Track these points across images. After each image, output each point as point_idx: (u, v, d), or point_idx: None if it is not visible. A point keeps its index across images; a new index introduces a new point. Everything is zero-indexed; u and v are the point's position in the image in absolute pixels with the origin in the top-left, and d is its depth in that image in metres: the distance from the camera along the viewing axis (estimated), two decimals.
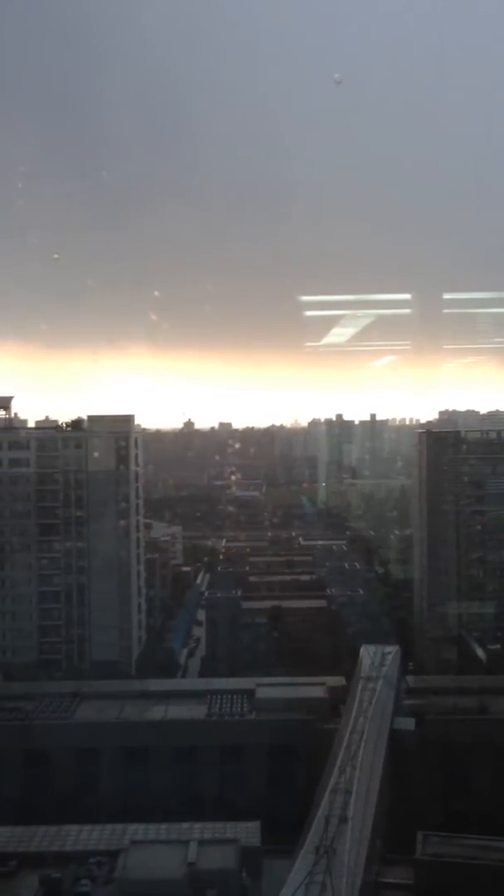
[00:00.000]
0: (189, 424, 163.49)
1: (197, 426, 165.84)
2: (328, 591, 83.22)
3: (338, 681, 57.35)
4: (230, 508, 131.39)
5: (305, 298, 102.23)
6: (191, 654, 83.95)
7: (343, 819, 35.42)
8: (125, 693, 59.22)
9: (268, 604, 79.62)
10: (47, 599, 76.51)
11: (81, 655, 75.93)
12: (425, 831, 37.28)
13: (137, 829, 38.87)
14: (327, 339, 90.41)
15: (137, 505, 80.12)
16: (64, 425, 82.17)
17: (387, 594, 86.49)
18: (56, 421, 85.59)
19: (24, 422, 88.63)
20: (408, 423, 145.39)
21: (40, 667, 73.94)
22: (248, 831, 37.90)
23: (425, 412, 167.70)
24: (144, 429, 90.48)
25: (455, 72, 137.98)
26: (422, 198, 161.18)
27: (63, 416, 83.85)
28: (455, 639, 75.32)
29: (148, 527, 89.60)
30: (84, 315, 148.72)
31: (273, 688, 57.29)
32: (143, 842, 37.04)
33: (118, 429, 79.04)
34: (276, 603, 79.76)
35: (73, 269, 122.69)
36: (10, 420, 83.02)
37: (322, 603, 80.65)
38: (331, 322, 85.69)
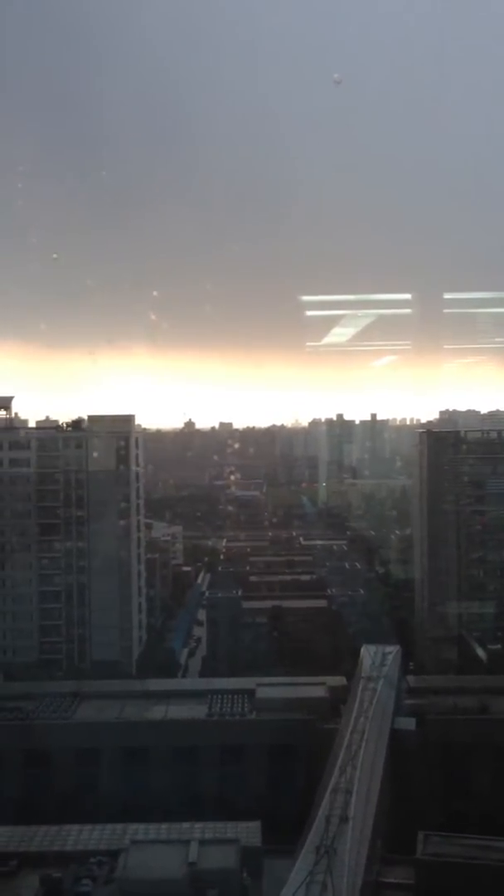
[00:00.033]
0: (189, 424, 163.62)
1: (197, 426, 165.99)
2: (329, 590, 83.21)
3: (338, 681, 57.35)
4: (231, 508, 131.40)
5: (306, 298, 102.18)
6: (191, 654, 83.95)
7: (344, 819, 35.44)
8: (126, 693, 59.27)
9: (268, 604, 79.63)
10: (48, 599, 76.51)
11: (82, 655, 75.93)
12: (426, 831, 37.24)
13: (138, 829, 38.87)
14: (328, 339, 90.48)
15: (138, 505, 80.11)
16: (64, 425, 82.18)
17: (387, 594, 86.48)
18: (56, 421, 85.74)
19: (25, 422, 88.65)
20: (408, 423, 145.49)
21: (41, 666, 73.95)
22: (248, 831, 37.89)
23: (426, 412, 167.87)
24: (145, 429, 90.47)
25: (455, 72, 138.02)
26: (422, 198, 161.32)
27: (63, 416, 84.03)
28: (455, 639, 75.29)
29: (148, 526, 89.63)
30: (84, 315, 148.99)
31: (273, 688, 57.29)
32: (144, 842, 37.03)
33: (118, 429, 79.03)
34: (276, 603, 79.77)
35: (73, 269, 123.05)
36: (10, 420, 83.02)
37: (322, 603, 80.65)
38: (331, 322, 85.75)
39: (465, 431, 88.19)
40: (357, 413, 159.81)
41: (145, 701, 57.24)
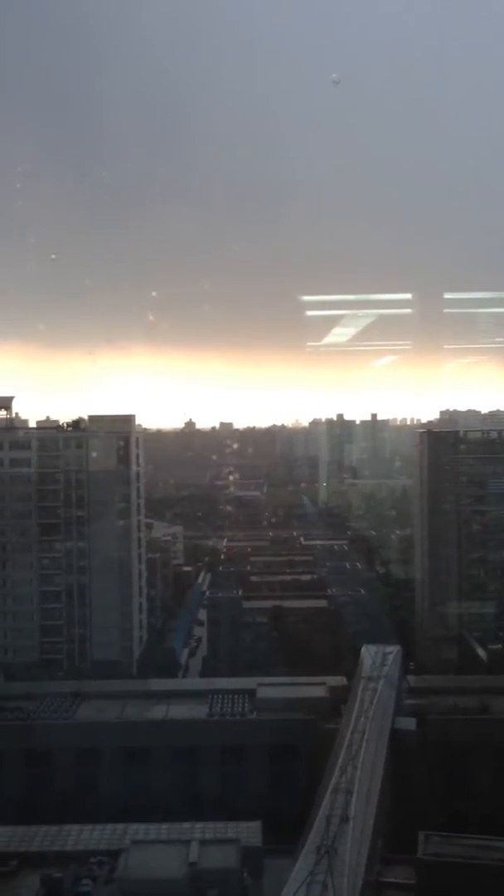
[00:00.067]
0: (190, 424, 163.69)
1: (198, 426, 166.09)
2: (329, 590, 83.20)
3: (339, 681, 57.31)
4: (231, 508, 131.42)
5: (306, 298, 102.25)
6: (192, 654, 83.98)
7: (344, 819, 35.45)
8: (126, 693, 59.24)
9: (269, 603, 79.63)
10: (48, 599, 76.55)
11: (82, 655, 75.97)
12: (426, 831, 37.21)
13: (138, 829, 38.80)
14: (328, 339, 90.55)
15: (138, 505, 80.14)
16: (65, 425, 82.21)
17: (388, 594, 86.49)
18: (57, 421, 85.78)
19: (25, 422, 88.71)
20: (409, 422, 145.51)
21: (41, 666, 73.99)
22: (249, 831, 37.82)
23: (426, 412, 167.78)
24: (145, 429, 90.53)
25: (455, 72, 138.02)
26: (422, 198, 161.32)
27: (64, 416, 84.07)
28: (456, 638, 75.29)
29: (149, 526, 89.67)
30: (85, 315, 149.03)
31: (274, 687, 57.26)
32: (144, 841, 36.99)
33: (119, 429, 79.07)
34: (277, 603, 79.76)
35: (73, 269, 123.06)
36: (10, 420, 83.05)
37: (323, 603, 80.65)
38: (331, 322, 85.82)
39: (466, 431, 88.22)
40: (357, 413, 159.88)
41: (146, 701, 57.20)
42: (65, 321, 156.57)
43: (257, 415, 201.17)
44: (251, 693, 56.41)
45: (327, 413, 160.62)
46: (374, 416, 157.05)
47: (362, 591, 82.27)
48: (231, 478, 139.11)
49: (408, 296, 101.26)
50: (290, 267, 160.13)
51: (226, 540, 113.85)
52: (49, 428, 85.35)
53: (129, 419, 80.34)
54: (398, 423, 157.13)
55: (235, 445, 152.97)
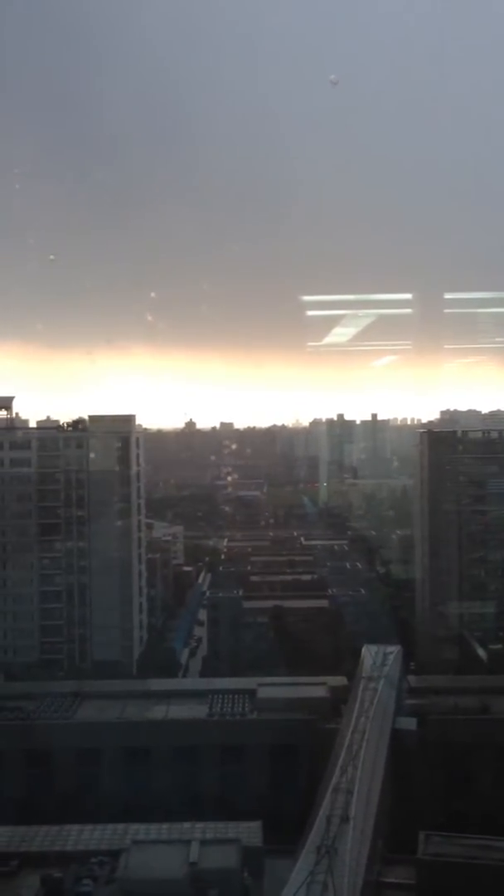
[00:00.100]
0: (190, 424, 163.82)
1: (198, 426, 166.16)
2: (329, 590, 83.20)
3: (339, 680, 57.27)
4: (231, 508, 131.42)
5: (306, 298, 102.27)
6: (192, 654, 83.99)
7: (345, 819, 35.39)
8: (126, 693, 59.20)
9: (269, 603, 79.60)
10: (49, 599, 76.57)
11: (83, 655, 75.97)
12: (427, 831, 37.20)
13: (139, 829, 38.80)
14: (328, 339, 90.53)
15: (139, 505, 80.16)
16: (65, 425, 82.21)
17: (388, 594, 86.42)
18: (57, 421, 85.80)
19: (26, 422, 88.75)
20: (409, 422, 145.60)
21: (42, 666, 74.00)
22: (249, 831, 37.83)
23: (427, 412, 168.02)
24: (146, 429, 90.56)
25: (455, 72, 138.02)
26: (422, 198, 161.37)
27: (64, 417, 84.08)
28: (456, 638, 75.28)
29: (149, 526, 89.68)
30: (85, 315, 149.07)
31: (274, 687, 57.23)
32: (145, 841, 36.98)
33: (119, 429, 79.09)
34: (277, 603, 79.74)
35: (73, 270, 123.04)
36: (11, 420, 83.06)
37: (323, 603, 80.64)
38: (332, 322, 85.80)
39: (466, 431, 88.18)
40: (358, 413, 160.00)
41: (146, 701, 57.15)
42: (65, 321, 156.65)
43: (258, 415, 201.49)
44: (251, 693, 56.36)
45: (328, 413, 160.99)
46: (374, 416, 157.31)
47: (363, 591, 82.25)
48: (231, 478, 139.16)
49: (408, 296, 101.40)
50: (290, 267, 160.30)
51: (226, 540, 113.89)
52: (49, 428, 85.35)
53: (129, 419, 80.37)
54: (398, 423, 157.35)
55: (236, 445, 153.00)
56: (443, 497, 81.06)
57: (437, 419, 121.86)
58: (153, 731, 52.95)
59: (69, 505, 77.26)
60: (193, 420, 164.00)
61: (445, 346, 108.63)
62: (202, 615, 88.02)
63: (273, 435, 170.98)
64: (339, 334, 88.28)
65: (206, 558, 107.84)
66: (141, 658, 76.68)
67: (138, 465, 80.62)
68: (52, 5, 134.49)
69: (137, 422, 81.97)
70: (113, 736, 52.49)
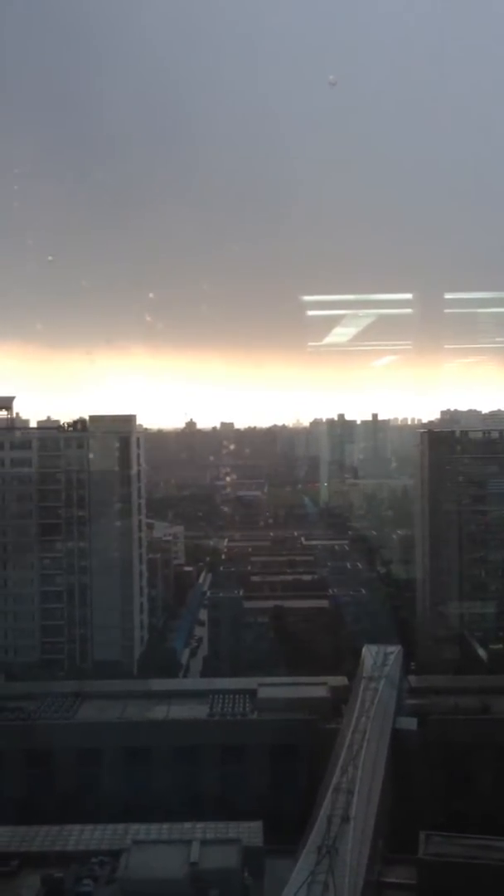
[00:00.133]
0: (191, 424, 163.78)
1: (199, 426, 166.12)
2: (330, 590, 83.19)
3: (340, 680, 57.28)
4: (232, 508, 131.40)
5: (307, 298, 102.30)
6: (193, 654, 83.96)
7: (345, 819, 35.39)
8: (127, 693, 59.20)
9: (270, 603, 79.64)
10: (49, 599, 76.59)
11: (83, 655, 75.99)
12: (427, 831, 37.20)
13: (139, 829, 38.82)
14: (329, 339, 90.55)
15: (139, 505, 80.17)
16: (66, 425, 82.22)
17: (389, 594, 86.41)
18: (58, 421, 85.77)
19: (26, 422, 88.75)
20: (409, 422, 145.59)
21: (42, 666, 74.02)
22: (250, 831, 37.85)
23: (427, 412, 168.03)
24: (146, 429, 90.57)
25: (455, 71, 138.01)
26: (422, 198, 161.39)
27: (65, 417, 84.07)
28: (457, 638, 75.28)
29: (150, 526, 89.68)
30: (85, 315, 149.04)
31: (275, 687, 57.23)
32: (146, 842, 37.00)
33: (120, 429, 79.11)
34: (278, 603, 79.78)
35: (73, 270, 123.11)
36: (11, 420, 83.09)
37: (324, 603, 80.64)
38: (332, 322, 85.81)
39: (467, 431, 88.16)
40: (358, 413, 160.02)
41: (147, 701, 57.17)
42: (65, 321, 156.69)
43: (258, 415, 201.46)
44: (252, 693, 56.36)
45: (328, 413, 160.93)
46: (374, 416, 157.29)
47: (363, 591, 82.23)
48: (232, 478, 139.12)
49: (408, 296, 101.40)
50: (290, 267, 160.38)
51: (227, 540, 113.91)
52: (50, 428, 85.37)
53: (129, 419, 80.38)
54: (399, 423, 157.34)
55: (236, 446, 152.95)
56: (443, 497, 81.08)
57: (437, 419, 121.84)
58: (154, 731, 52.95)
59: (70, 505, 77.28)
60: (194, 420, 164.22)
61: (446, 346, 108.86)
62: (203, 615, 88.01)
63: (273, 435, 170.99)
64: (340, 334, 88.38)
65: (207, 558, 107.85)
66: (141, 658, 76.69)
67: (139, 465, 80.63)
68: (51, 5, 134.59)
69: (138, 422, 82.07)
70: (113, 736, 52.48)
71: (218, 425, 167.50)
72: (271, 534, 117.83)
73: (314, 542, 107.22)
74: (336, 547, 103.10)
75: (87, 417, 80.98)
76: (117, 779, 50.07)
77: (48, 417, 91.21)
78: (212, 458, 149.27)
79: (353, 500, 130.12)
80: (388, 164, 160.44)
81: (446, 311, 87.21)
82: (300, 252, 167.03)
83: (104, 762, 51.30)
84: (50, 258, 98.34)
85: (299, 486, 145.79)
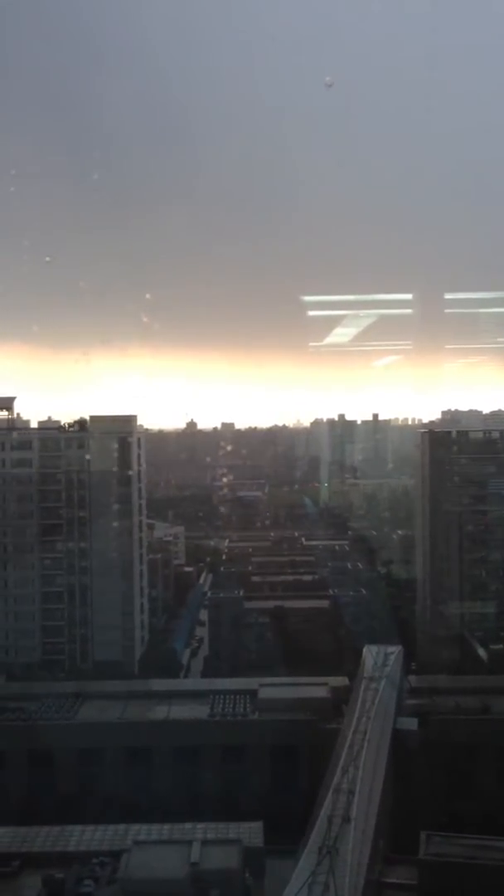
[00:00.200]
0: (192, 425, 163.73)
1: (199, 426, 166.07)
2: (331, 591, 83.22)
3: (340, 681, 57.31)
4: (232, 508, 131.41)
5: (307, 298, 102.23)
6: (193, 655, 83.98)
7: (346, 819, 35.38)
8: (128, 693, 59.22)
9: (270, 604, 79.70)
10: (50, 600, 76.64)
11: (84, 655, 76.04)
12: (428, 831, 37.22)
13: (140, 830, 38.83)
14: (329, 339, 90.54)
15: (140, 505, 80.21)
16: (66, 426, 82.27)
17: (389, 594, 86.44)
18: (58, 421, 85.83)
19: (27, 422, 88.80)
20: (410, 423, 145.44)
21: (43, 667, 74.12)
22: (250, 831, 37.85)
23: (428, 412, 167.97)
24: (147, 429, 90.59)
25: (455, 71, 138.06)
26: (423, 198, 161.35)
27: (66, 417, 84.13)
28: (457, 639, 75.29)
29: (150, 527, 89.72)
30: (86, 316, 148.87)
31: (276, 688, 57.26)
32: (146, 842, 37.02)
33: (120, 429, 79.15)
34: (278, 603, 79.85)
35: (74, 270, 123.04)
36: (12, 420, 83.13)
37: (324, 603, 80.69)
38: (333, 322, 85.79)
39: (467, 431, 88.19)
40: (359, 413, 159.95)
41: (147, 701, 57.23)
42: (66, 322, 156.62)
43: (259, 415, 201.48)
44: (253, 693, 56.40)
45: (329, 413, 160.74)
46: (375, 416, 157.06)
47: (364, 592, 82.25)
48: (232, 478, 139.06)
49: (409, 296, 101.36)
50: (290, 267, 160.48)
51: (227, 540, 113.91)
52: (50, 428, 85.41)
53: (130, 419, 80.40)
54: (400, 423, 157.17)
55: (237, 446, 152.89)
56: (444, 497, 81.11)
57: (438, 419, 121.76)
58: (154, 731, 53.01)
59: (70, 505, 77.33)
60: (194, 420, 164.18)
61: (446, 347, 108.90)
62: (203, 615, 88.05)
63: (274, 435, 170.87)
64: (340, 334, 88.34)
65: (208, 559, 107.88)
66: (142, 658, 76.73)
67: (139, 465, 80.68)
68: (51, 5, 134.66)
69: (139, 422, 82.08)
70: (114, 736, 52.58)
71: (218, 425, 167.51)
72: (272, 534, 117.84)
73: (315, 543, 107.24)
74: (336, 547, 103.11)
75: (87, 418, 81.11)
76: (118, 779, 50.12)
77: (49, 418, 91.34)
78: (212, 458, 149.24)
79: (353, 500, 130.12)
80: (388, 164, 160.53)
81: (447, 311, 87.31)
82: (300, 252, 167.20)
83: (105, 762, 51.37)
84: (48, 258, 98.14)
85: (300, 487, 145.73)
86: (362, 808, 36.70)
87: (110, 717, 54.79)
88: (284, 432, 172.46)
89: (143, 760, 51.03)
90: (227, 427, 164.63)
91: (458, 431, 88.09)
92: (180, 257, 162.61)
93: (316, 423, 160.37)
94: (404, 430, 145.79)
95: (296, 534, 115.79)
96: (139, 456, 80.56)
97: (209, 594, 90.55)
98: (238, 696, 56.90)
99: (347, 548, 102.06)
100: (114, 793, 48.62)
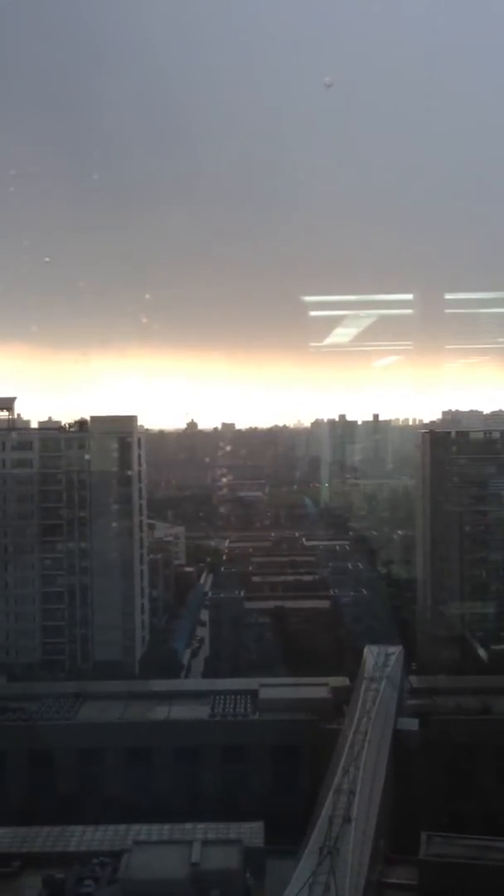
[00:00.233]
0: (192, 425, 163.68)
1: (200, 427, 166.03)
2: (331, 591, 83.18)
3: (341, 681, 57.32)
4: (233, 509, 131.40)
5: (308, 299, 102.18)
6: (194, 655, 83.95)
7: (346, 819, 35.39)
8: (128, 693, 59.25)
9: (271, 604, 79.63)
10: (51, 600, 76.62)
11: (85, 656, 76.02)
12: (429, 832, 37.21)
13: (141, 830, 38.86)
14: (330, 340, 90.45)
15: (140, 505, 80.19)
16: (67, 426, 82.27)
17: (390, 594, 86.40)
18: (59, 422, 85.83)
19: (28, 422, 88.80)
20: (411, 423, 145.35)
21: (44, 667, 74.10)
22: (251, 832, 37.88)
23: (428, 412, 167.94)
24: (147, 429, 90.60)
25: (455, 71, 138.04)
26: (423, 198, 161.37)
27: (66, 417, 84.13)
28: (458, 639, 75.25)
29: (151, 527, 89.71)
30: (87, 316, 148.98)
31: (276, 688, 57.29)
32: (147, 842, 37.06)
33: (121, 429, 79.14)
34: (279, 603, 79.78)
35: (74, 270, 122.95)
36: (12, 421, 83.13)
37: (325, 603, 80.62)
38: (333, 322, 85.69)
39: (468, 432, 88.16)
40: (359, 413, 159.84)
41: (148, 701, 57.27)
42: (66, 322, 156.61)
43: (259, 415, 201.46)
44: (253, 694, 56.44)
45: (329, 413, 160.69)
46: (375, 416, 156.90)
47: (364, 592, 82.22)
48: (233, 478, 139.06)
49: (409, 296, 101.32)
50: (291, 267, 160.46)
51: (228, 540, 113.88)
52: (51, 429, 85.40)
53: (130, 420, 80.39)
54: (400, 423, 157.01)
55: (237, 446, 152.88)
56: (444, 497, 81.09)
57: (438, 420, 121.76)
58: (155, 731, 53.03)
59: (71, 506, 77.31)
60: (195, 420, 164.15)
61: (447, 347, 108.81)
62: (204, 616, 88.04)
63: (274, 435, 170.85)
64: (341, 335, 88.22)
65: (208, 559, 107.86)
66: (143, 659, 76.72)
67: (140, 465, 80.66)
68: (51, 5, 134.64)
69: (139, 422, 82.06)
70: (115, 737, 52.58)
71: (219, 426, 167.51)
72: (272, 534, 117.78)
73: (315, 543, 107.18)
74: (337, 547, 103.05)
75: (88, 418, 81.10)
76: (118, 779, 50.14)
77: (49, 418, 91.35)
78: (212, 458, 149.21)
79: (353, 500, 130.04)
80: (388, 164, 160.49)
81: (447, 311, 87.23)
82: (300, 252, 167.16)
83: (105, 763, 51.42)
84: (47, 259, 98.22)
85: (300, 487, 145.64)
86: (363, 808, 36.70)
87: (111, 718, 54.83)
88: (285, 432, 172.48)
89: (143, 761, 51.06)
90: (228, 427, 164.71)
91: (458, 432, 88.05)
92: (180, 257, 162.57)
93: (316, 423, 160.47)
94: (405, 430, 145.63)
95: (296, 534, 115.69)
96: (139, 456, 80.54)
97: (210, 594, 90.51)
98: (239, 697, 56.93)
99: (348, 548, 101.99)
100: (114, 793, 48.70)
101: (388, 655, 57.34)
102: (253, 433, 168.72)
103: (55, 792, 48.92)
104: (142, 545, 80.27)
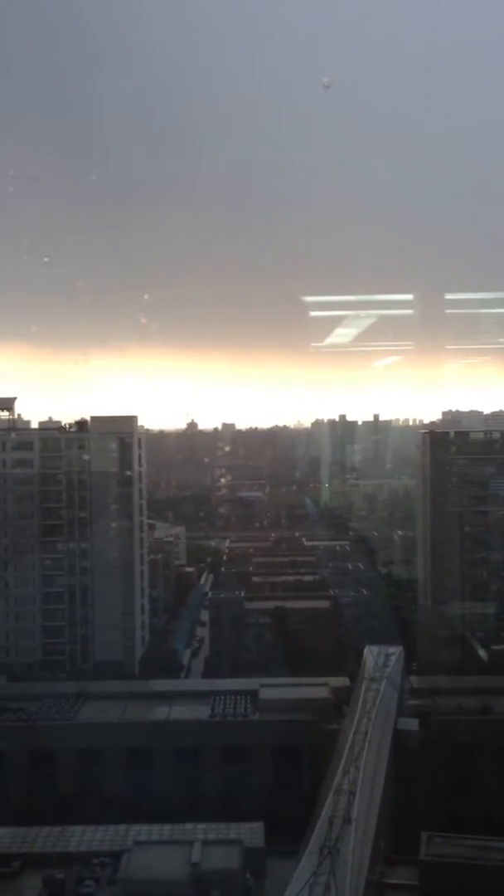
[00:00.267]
0: (192, 425, 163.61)
1: (200, 427, 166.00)
2: (331, 591, 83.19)
3: (341, 681, 57.29)
4: (233, 509, 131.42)
5: (308, 299, 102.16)
6: (194, 655, 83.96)
7: (347, 820, 35.37)
8: (128, 693, 59.19)
9: (271, 604, 79.66)
10: (51, 600, 76.64)
11: (85, 656, 76.04)
12: (429, 832, 37.20)
13: (141, 830, 38.84)
14: (330, 340, 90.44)
15: (141, 505, 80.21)
16: (67, 426, 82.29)
17: (390, 594, 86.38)
18: (59, 422, 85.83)
19: (28, 423, 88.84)
20: (411, 423, 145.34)
21: (44, 667, 74.10)
22: (251, 832, 37.86)
23: (428, 412, 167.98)
24: (147, 429, 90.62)
25: (455, 71, 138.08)
26: (423, 198, 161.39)
27: (66, 417, 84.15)
28: (458, 639, 75.26)
29: (151, 527, 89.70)
30: (87, 316, 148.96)
31: (276, 688, 57.25)
32: (147, 842, 37.04)
33: (121, 430, 79.16)
34: (279, 603, 79.79)
35: (75, 270, 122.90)
36: (13, 421, 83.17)
37: (325, 603, 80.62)
38: (333, 322, 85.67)
39: (468, 432, 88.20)
40: (360, 414, 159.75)
41: (148, 702, 57.21)
42: (66, 322, 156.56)
43: (259, 415, 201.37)
44: (253, 694, 56.40)
45: (329, 414, 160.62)
46: (376, 416, 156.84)
47: (364, 592, 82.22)
48: (233, 478, 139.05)
49: (409, 296, 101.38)
50: (291, 267, 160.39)
51: (228, 541, 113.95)
52: (51, 429, 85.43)
53: (131, 420, 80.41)
54: (401, 423, 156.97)
55: (237, 446, 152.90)
56: (444, 498, 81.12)
57: (439, 420, 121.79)
58: (155, 731, 53.01)
59: (71, 506, 77.33)
60: (195, 421, 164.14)
61: (447, 347, 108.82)
62: (204, 616, 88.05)
63: (275, 435, 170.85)
64: (341, 335, 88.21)
65: (208, 559, 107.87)
66: (143, 659, 76.73)
67: (140, 465, 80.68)
68: (51, 5, 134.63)
69: (139, 423, 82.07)
70: (115, 737, 52.56)
71: (219, 426, 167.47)
72: (272, 534, 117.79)
73: (315, 543, 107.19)
74: (337, 547, 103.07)
75: (88, 418, 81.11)
76: (119, 780, 50.12)
77: (49, 418, 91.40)
78: (212, 458, 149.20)
79: (354, 500, 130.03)
80: (388, 164, 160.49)
81: (447, 311, 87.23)
82: (300, 252, 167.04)
83: (106, 763, 51.38)
84: (46, 259, 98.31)
85: (300, 487, 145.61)
86: (363, 808, 36.68)
87: (111, 718, 54.78)
88: (285, 433, 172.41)
89: (143, 761, 51.02)
90: (228, 427, 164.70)
91: (458, 432, 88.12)
92: (180, 257, 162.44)
93: (316, 423, 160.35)
94: (405, 430, 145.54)
95: (296, 534, 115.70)
96: (140, 456, 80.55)
97: (210, 594, 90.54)
98: (239, 697, 56.90)
99: (348, 548, 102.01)
100: (114, 793, 48.68)
101: (388, 656, 57.31)
102: (253, 433, 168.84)
103: (55, 792, 48.90)
104: (142, 545, 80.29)
